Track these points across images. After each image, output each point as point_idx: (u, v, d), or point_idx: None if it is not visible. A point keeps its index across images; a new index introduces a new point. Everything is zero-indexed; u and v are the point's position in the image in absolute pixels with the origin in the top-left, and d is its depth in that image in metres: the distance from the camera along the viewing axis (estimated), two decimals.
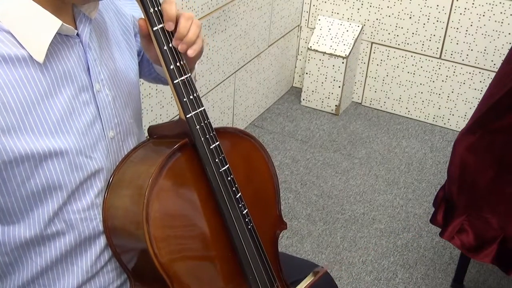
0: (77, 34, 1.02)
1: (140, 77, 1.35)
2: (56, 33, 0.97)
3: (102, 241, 1.08)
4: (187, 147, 1.08)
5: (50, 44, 0.96)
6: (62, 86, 0.99)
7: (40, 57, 0.95)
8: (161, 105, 2.30)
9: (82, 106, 1.02)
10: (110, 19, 1.15)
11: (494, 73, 2.38)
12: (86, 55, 1.03)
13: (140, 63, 1.33)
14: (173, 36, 1.05)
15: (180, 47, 1.05)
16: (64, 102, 0.99)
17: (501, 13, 2.87)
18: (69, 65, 1.00)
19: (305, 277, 1.26)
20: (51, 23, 0.96)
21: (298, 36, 3.34)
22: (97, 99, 1.05)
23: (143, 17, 1.04)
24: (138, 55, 1.29)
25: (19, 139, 0.93)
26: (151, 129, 1.14)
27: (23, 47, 0.94)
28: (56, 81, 0.98)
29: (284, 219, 1.27)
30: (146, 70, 1.34)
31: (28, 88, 0.94)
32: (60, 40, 0.99)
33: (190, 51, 1.05)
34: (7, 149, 0.92)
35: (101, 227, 1.07)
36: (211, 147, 1.08)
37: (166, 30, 1.04)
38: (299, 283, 1.25)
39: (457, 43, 3.00)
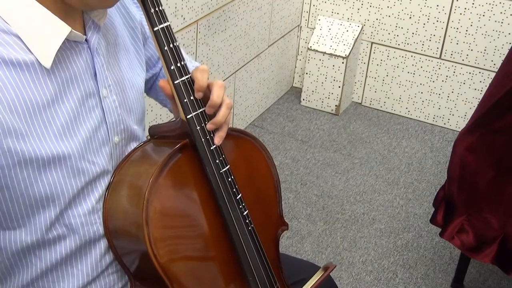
0: (86, 40, 1.02)
1: (146, 93, 1.36)
2: (65, 39, 0.96)
3: (103, 244, 1.08)
4: (188, 147, 1.07)
5: (58, 49, 0.95)
6: (69, 91, 0.99)
7: (47, 62, 0.94)
8: (161, 105, 2.29)
9: (88, 112, 1.02)
10: (119, 24, 1.14)
11: (494, 73, 2.38)
12: (94, 60, 1.03)
13: (153, 86, 1.35)
14: (173, 36, 1.05)
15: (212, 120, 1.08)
16: (70, 107, 0.99)
17: (501, 13, 2.87)
18: (76, 71, 1.00)
19: (304, 278, 1.26)
20: (60, 29, 0.95)
21: (298, 36, 3.34)
22: (104, 104, 1.05)
23: (144, 17, 1.04)
24: (148, 66, 1.29)
25: (24, 143, 0.93)
26: (151, 129, 1.14)
27: (30, 52, 0.93)
28: (62, 86, 0.98)
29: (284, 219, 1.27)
30: (162, 99, 1.35)
31: (34, 92, 0.94)
32: (68, 45, 0.99)
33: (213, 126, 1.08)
34: (12, 151, 0.92)
35: (102, 231, 1.07)
36: (211, 148, 1.08)
37: (167, 30, 1.04)
38: (299, 284, 1.25)
39: (457, 43, 3.00)
